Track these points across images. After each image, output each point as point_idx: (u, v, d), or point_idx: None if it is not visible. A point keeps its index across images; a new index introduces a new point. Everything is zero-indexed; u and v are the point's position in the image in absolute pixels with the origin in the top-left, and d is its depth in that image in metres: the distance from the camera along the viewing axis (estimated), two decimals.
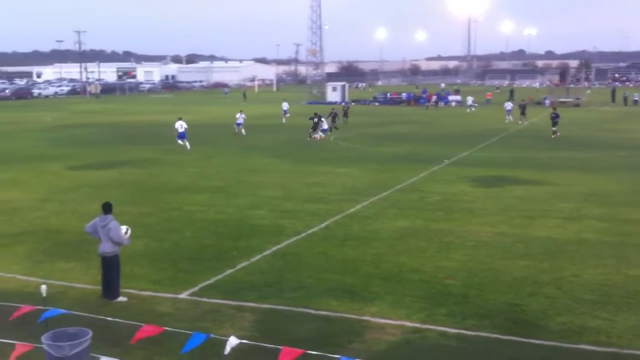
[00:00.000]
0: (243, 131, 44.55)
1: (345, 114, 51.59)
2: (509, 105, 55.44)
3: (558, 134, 40.33)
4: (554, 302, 12.28)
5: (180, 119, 37.52)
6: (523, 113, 51.23)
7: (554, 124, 40.63)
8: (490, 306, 12.09)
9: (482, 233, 17.27)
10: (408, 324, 11.31)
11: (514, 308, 12.00)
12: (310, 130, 41.46)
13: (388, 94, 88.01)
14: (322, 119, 41.91)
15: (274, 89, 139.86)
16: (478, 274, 13.95)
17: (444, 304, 12.20)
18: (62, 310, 9.90)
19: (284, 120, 54.73)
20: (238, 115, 45.54)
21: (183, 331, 9.74)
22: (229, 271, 14.27)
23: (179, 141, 36.37)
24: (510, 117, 53.38)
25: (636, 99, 73.58)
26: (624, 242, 16.22)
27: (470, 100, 65.58)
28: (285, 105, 57.61)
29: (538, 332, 10.90)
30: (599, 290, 12.88)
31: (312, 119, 41.71)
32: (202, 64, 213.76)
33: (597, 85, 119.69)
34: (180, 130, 36.71)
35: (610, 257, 15.00)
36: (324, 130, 41.79)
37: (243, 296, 12.67)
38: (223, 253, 15.67)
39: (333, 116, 45.24)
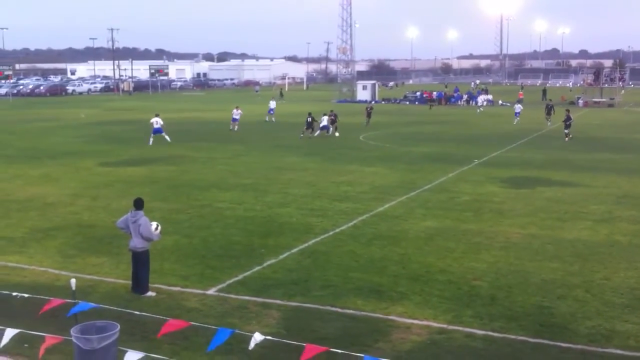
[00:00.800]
0: (236, 127, 45.17)
1: (369, 115, 50.00)
2: (518, 107, 53.43)
3: (571, 136, 39.30)
4: (584, 305, 12.13)
5: (157, 115, 38.39)
6: (549, 114, 49.15)
7: (567, 126, 39.64)
8: (518, 308, 12.00)
9: (512, 234, 17.13)
10: (434, 324, 11.27)
11: (543, 310, 11.88)
12: (304, 128, 41.53)
13: (418, 93, 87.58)
14: (316, 119, 41.83)
15: (305, 87, 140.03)
16: (506, 275, 13.84)
17: (471, 305, 12.13)
18: (92, 304, 10.05)
19: (266, 119, 53.22)
20: (234, 110, 46.10)
21: (210, 326, 9.84)
22: (257, 268, 14.36)
23: (152, 137, 37.15)
24: (519, 119, 51.21)
25: None
26: None
27: (518, 107, 56.60)
28: (272, 104, 55.64)
29: (566, 336, 10.78)
30: (630, 294, 12.69)
31: (307, 119, 41.78)
32: (233, 62, 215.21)
33: (632, 86, 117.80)
34: (156, 126, 37.47)
35: None
36: (323, 128, 41.79)
37: (270, 293, 12.75)
38: (251, 250, 15.76)
39: (333, 118, 44.09)
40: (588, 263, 14.63)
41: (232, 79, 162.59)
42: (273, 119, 53.64)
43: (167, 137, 37.23)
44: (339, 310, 11.92)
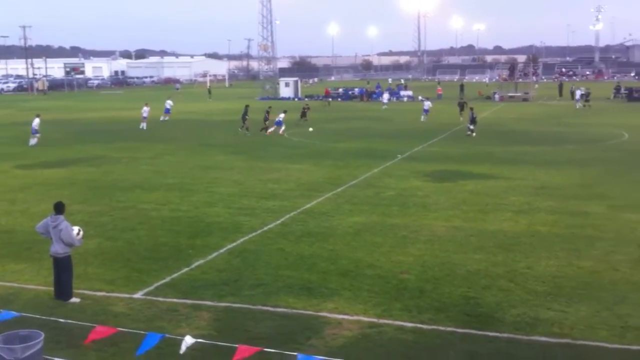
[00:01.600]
0: (145, 125, 44.85)
1: (304, 114, 48.53)
2: (427, 104, 52.50)
3: (474, 134, 39.26)
4: (508, 294, 12.51)
5: (37, 115, 37.84)
6: (462, 110, 49.82)
7: (472, 121, 39.92)
8: (445, 299, 12.25)
9: (437, 227, 17.48)
10: (365, 319, 11.38)
11: (469, 301, 12.18)
12: (266, 123, 41.49)
13: (341, 89, 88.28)
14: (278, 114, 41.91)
15: (226, 84, 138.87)
16: (433, 267, 14.12)
17: (400, 299, 12.31)
18: (14, 313, 9.67)
19: (161, 118, 51.07)
20: (145, 108, 45.62)
21: (138, 332, 9.62)
22: (185, 270, 14.14)
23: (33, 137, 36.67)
24: (427, 117, 50.82)
25: (582, 92, 75.28)
26: (574, 234, 16.61)
27: (427, 105, 57.20)
28: (169, 104, 53.31)
29: (493, 325, 11.09)
30: (551, 282, 13.17)
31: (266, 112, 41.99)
32: (152, 59, 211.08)
33: (545, 80, 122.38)
34: (35, 127, 36.93)
35: (561, 249, 15.35)
36: (278, 123, 41.71)
37: (200, 295, 12.57)
38: (179, 251, 15.51)
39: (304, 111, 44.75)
40: (511, 253, 15.09)
41: (151, 77, 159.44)
42: (167, 117, 52.12)
43: (32, 141, 36.46)
44: (271, 309, 11.87)
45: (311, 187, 23.38)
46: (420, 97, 73.21)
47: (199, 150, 34.26)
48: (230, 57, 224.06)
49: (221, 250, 15.53)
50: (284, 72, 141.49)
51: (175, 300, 12.35)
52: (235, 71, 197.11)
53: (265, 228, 17.59)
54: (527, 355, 10.04)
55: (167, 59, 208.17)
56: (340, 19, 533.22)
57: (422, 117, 50.99)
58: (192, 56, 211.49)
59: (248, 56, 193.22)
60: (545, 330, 10.82)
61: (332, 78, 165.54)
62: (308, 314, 11.62)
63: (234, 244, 16.10)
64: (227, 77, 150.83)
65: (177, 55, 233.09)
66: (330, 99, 76.51)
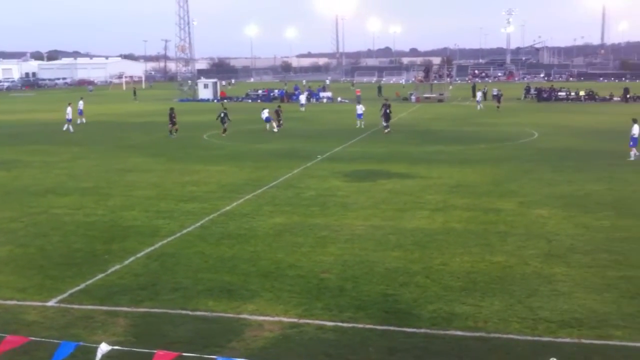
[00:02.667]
0: (70, 128, 44.24)
1: (222, 121, 42.70)
2: (360, 108, 48.79)
3: (390, 129, 40.95)
4: (425, 290, 12.79)
5: None
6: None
7: (387, 118, 41.51)
8: (365, 297, 12.43)
9: (356, 226, 17.69)
10: (286, 319, 11.41)
11: (388, 298, 12.39)
12: (225, 125, 40.89)
13: (260, 91, 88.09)
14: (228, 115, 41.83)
15: (143, 86, 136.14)
16: (353, 266, 14.29)
17: (321, 298, 12.40)
18: None
19: (78, 121, 48.67)
20: (69, 109, 44.80)
21: (52, 340, 9.31)
22: (101, 275, 13.79)
23: None
24: (362, 121, 48.04)
25: (495, 93, 77.81)
26: (487, 230, 17.15)
27: (359, 109, 52.23)
28: (81, 104, 51.52)
29: (411, 321, 11.32)
30: (466, 277, 13.55)
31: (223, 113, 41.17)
32: (65, 60, 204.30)
33: (459, 81, 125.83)
34: None
35: (475, 245, 15.82)
36: (267, 120, 43.22)
37: (116, 301, 12.30)
38: (94, 257, 15.11)
39: (277, 112, 45.05)
40: (427, 250, 15.44)
41: (64, 79, 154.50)
42: (84, 119, 50.71)
43: None
44: (190, 312, 11.73)
45: (232, 188, 23.23)
46: (339, 99, 74.04)
47: (116, 152, 33.48)
48: (147, 58, 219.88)
49: (138, 255, 15.23)
50: (202, 73, 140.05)
51: (90, 307, 12.03)
52: (153, 72, 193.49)
53: (185, 231, 17.36)
54: (443, 349, 10.30)
55: (80, 60, 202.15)
56: (259, 20, 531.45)
57: (358, 122, 46.43)
58: (107, 57, 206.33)
59: (165, 57, 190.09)
60: (461, 325, 11.13)
61: (252, 79, 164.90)
62: (228, 317, 11.55)
63: (152, 247, 15.82)
64: (143, 79, 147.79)
65: (91, 56, 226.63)
66: (224, 101, 75.55)
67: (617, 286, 12.86)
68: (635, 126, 29.49)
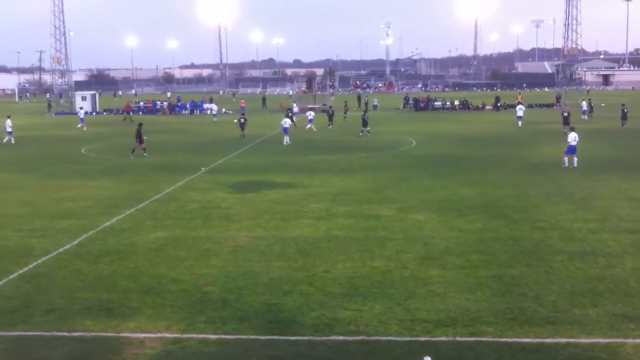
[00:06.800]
0: (12, 139, 43.56)
1: (242, 126, 45.15)
2: (311, 113, 53.28)
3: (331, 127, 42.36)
4: (308, 298, 12.97)
5: None
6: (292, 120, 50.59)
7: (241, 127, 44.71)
8: (248, 308, 12.44)
9: (240, 238, 17.67)
10: (168, 335, 11.24)
11: (271, 308, 12.46)
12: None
13: (142, 103, 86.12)
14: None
15: (17, 99, 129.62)
16: (236, 278, 14.26)
17: (204, 311, 12.30)
18: None
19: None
20: (7, 121, 44.29)
21: None
22: None
23: None
24: (312, 127, 51.08)
25: (375, 103, 79.99)
26: (367, 236, 17.60)
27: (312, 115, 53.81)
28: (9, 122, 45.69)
29: (294, 329, 11.45)
30: (347, 283, 13.85)
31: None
32: None
33: (341, 92, 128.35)
34: None
35: (356, 251, 16.20)
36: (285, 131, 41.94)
37: None
38: None
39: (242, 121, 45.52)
40: (310, 258, 15.65)
41: None
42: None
43: None
44: (66, 334, 11.32)
45: (111, 203, 22.57)
46: (224, 110, 73.72)
47: None
48: (21, 70, 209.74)
49: (11, 277, 14.52)
50: (80, 85, 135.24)
51: None
52: (27, 85, 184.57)
53: (61, 249, 16.70)
54: (326, 355, 10.49)
55: None
56: (139, 31, 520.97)
57: (308, 125, 50.72)
58: None
59: (40, 69, 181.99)
60: (343, 330, 11.37)
61: (133, 91, 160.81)
62: (107, 336, 11.24)
63: (25, 268, 15.12)
64: (17, 92, 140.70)
65: None
66: (131, 113, 74.24)
67: (488, 285, 13.57)
68: (572, 134, 29.51)
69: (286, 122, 42.87)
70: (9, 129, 44.16)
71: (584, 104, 60.40)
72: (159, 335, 11.25)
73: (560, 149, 36.34)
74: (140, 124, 37.25)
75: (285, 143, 41.30)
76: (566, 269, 14.60)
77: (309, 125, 51.40)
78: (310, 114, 53.02)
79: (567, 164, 29.52)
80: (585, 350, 10.51)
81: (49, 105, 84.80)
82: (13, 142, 43.80)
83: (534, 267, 14.75)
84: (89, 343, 10.95)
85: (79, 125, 55.73)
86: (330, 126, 52.91)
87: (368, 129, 46.35)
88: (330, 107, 56.52)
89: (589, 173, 27.70)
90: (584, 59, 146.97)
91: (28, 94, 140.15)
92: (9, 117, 45.77)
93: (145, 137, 36.53)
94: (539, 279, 13.90)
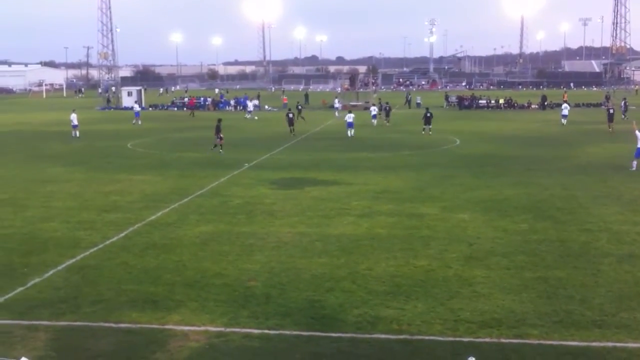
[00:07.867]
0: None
1: (290, 122, 45.89)
2: (374, 108, 55.19)
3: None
4: (350, 295, 12.96)
5: None
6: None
7: (290, 122, 45.30)
8: (291, 304, 12.48)
9: (283, 234, 17.74)
10: (212, 328, 11.34)
11: (314, 304, 12.48)
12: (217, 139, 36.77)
13: (186, 99, 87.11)
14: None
15: (64, 94, 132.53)
16: (279, 273, 14.33)
17: (247, 306, 12.39)
18: None
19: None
20: (73, 115, 45.59)
21: None
22: (20, 289, 13.36)
23: None
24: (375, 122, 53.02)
25: (419, 101, 79.46)
26: (411, 235, 17.50)
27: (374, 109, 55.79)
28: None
29: (336, 326, 11.45)
30: (390, 281, 13.80)
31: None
32: None
33: (384, 89, 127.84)
34: None
35: (399, 249, 16.12)
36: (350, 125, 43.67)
37: (36, 315, 11.95)
38: (12, 270, 14.63)
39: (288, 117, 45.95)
40: (353, 256, 15.63)
41: None
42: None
43: None
44: (113, 325, 11.51)
45: (156, 198, 22.90)
46: (267, 107, 74.21)
47: (34, 162, 32.48)
48: (69, 66, 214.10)
49: (59, 267, 14.84)
50: (126, 81, 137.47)
51: (9, 321, 11.64)
52: (74, 80, 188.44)
53: (107, 242, 17.01)
54: (369, 353, 10.47)
55: None
56: (184, 27, 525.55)
57: (373, 120, 53.57)
58: (26, 65, 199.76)
59: (88, 64, 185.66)
60: (385, 328, 11.33)
61: (178, 87, 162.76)
62: (153, 328, 11.39)
63: (73, 259, 15.43)
64: (64, 87, 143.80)
65: (10, 63, 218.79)
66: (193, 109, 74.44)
67: (533, 287, 13.36)
68: None
69: (350, 117, 44.41)
70: (75, 123, 45.44)
71: (623, 104, 59.53)
72: (202, 328, 11.37)
73: (607, 150, 35.56)
74: (219, 120, 37.24)
75: (349, 135, 43.84)
76: (614, 272, 14.30)
77: (373, 121, 53.66)
78: (374, 109, 55.15)
79: (635, 167, 27.98)
80: (633, 355, 10.29)
81: (108, 101, 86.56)
82: (77, 135, 45.21)
83: (581, 269, 14.48)
84: (135, 334, 11.12)
85: (134, 122, 56.77)
86: (387, 123, 54.08)
87: (430, 126, 46.03)
88: (387, 103, 56.73)
89: (637, 175, 27.07)
90: (633, 58, 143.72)
91: (83, 89, 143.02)
92: (74, 111, 46.93)
93: (222, 136, 35.95)
94: (586, 282, 13.65)
